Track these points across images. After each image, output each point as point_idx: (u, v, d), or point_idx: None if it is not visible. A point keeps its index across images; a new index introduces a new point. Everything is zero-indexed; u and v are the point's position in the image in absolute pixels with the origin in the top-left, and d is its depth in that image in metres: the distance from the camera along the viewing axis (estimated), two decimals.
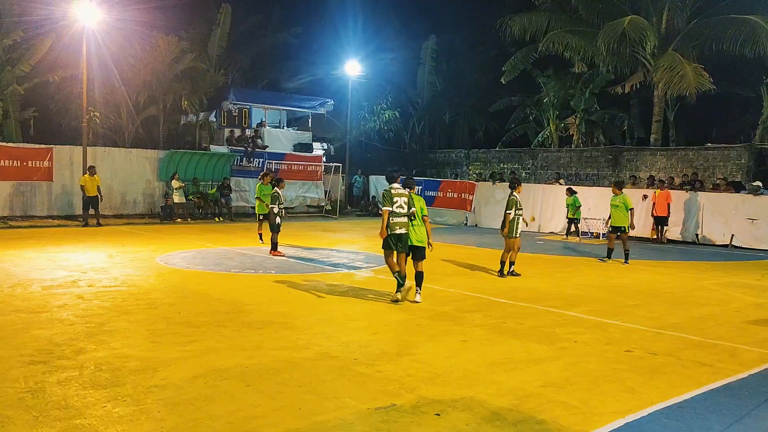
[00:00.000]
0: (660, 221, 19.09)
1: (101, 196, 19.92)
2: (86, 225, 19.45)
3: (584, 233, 20.51)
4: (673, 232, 19.18)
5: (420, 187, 26.22)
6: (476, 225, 23.88)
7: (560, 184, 22.72)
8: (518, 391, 5.57)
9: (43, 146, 21.70)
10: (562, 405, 5.26)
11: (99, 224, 19.52)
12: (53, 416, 4.74)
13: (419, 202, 9.36)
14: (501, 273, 11.98)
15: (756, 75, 25.39)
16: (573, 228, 20.16)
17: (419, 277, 9.34)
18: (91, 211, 19.71)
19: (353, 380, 5.75)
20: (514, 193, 11.95)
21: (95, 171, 19.92)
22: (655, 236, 19.27)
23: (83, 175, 19.96)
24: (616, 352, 6.98)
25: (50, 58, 22.90)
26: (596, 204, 20.59)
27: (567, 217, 20.18)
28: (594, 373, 6.18)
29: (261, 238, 15.81)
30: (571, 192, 20.06)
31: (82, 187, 19.68)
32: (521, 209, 11.98)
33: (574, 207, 19.90)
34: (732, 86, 26.22)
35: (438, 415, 4.99)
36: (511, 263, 12.11)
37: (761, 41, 21.55)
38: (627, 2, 24.51)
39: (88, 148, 21.21)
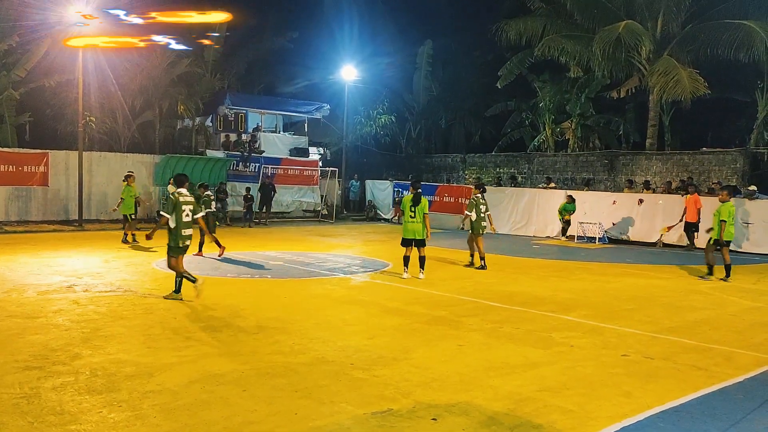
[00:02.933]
0: (690, 227, 18.10)
1: (140, 201, 20.15)
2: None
3: (580, 237, 20.54)
4: (669, 236, 19.20)
5: None
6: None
7: (551, 187, 22.77)
8: (515, 395, 5.57)
9: (38, 151, 21.66)
10: (559, 409, 5.27)
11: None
12: (48, 422, 4.72)
13: (424, 203, 11.87)
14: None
15: (750, 79, 25.51)
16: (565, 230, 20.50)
17: (423, 261, 11.94)
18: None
19: (349, 385, 5.75)
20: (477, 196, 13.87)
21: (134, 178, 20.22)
22: (687, 243, 18.41)
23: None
24: (613, 356, 6.98)
25: (46, 63, 22.85)
26: (592, 208, 20.65)
27: (564, 220, 20.39)
28: (590, 378, 6.18)
29: (126, 240, 16.20)
30: (572, 199, 20.38)
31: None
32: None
33: (567, 211, 20.28)
34: (727, 91, 26.33)
35: (434, 419, 4.99)
36: (481, 257, 13.66)
37: (755, 46, 21.65)
38: (622, 7, 24.61)
39: (83, 153, 21.19)
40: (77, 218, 20.90)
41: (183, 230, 9.32)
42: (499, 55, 30.34)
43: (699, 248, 18.61)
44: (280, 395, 5.42)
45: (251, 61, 31.82)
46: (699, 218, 17.82)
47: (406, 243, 11.89)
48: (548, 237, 20.73)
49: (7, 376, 5.73)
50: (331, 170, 28.26)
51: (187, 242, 9.45)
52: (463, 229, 14.30)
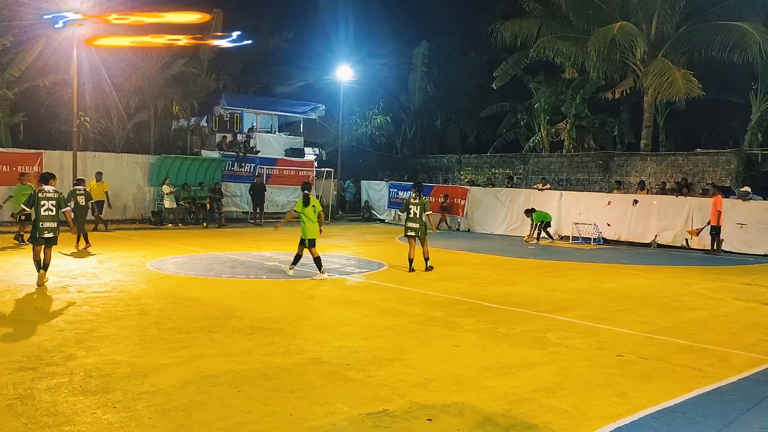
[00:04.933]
0: (712, 230, 17.78)
1: (109, 202, 20.15)
2: (95, 229, 19.18)
3: (575, 238, 20.59)
4: (663, 237, 19.26)
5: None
6: (469, 230, 23.93)
7: (546, 188, 22.73)
8: (510, 395, 5.58)
9: (33, 151, 21.56)
10: (554, 410, 5.27)
11: (106, 229, 19.49)
12: (42, 423, 4.70)
13: (316, 202, 11.86)
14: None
15: (744, 81, 25.61)
16: (542, 232, 20.33)
17: (318, 261, 11.75)
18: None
19: (345, 386, 5.74)
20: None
21: (101, 177, 20.07)
22: (710, 247, 17.94)
23: (91, 180, 20.04)
24: (607, 356, 7.00)
25: (40, 63, 22.77)
26: (587, 209, 20.69)
27: (538, 223, 20.31)
28: (585, 378, 6.19)
29: (21, 239, 15.77)
30: (529, 212, 20.32)
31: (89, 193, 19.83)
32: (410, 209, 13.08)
33: (541, 216, 20.17)
34: (721, 92, 26.42)
35: (430, 420, 4.99)
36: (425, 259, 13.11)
37: (749, 47, 21.73)
38: (617, 9, 24.67)
39: (78, 153, 21.11)
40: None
41: (42, 223, 10.15)
42: (495, 56, 30.37)
43: (660, 244, 18.68)
44: (275, 396, 5.41)
45: (246, 61, 31.78)
46: (718, 221, 17.57)
47: (303, 243, 11.84)
48: (543, 238, 20.74)
49: (0, 377, 5.71)
50: (327, 171, 28.23)
51: (46, 234, 10.19)
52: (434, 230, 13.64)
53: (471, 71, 35.40)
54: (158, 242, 17.04)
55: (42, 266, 10.21)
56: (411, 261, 12.94)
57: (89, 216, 16.93)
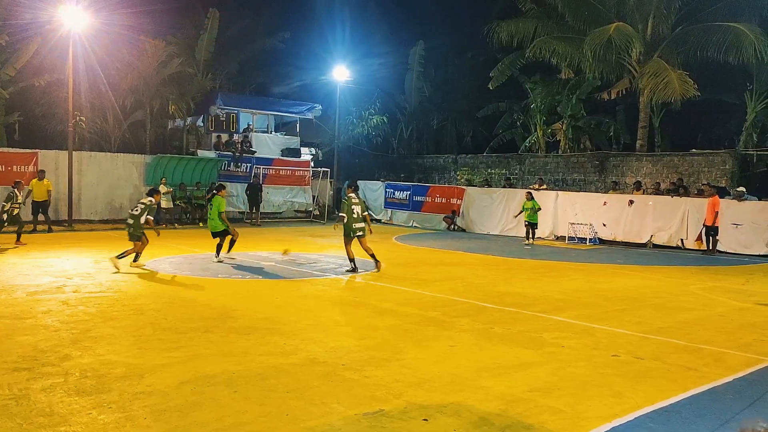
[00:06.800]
0: (708, 231, 17.83)
1: (50, 201, 19.37)
2: (34, 231, 18.40)
3: (571, 238, 20.61)
4: (659, 237, 19.31)
5: (408, 192, 26.38)
6: (464, 230, 23.95)
7: (543, 188, 22.68)
8: (506, 396, 5.58)
9: (28, 151, 21.49)
10: (550, 410, 5.28)
11: (50, 230, 18.88)
12: (38, 423, 4.69)
13: (218, 202, 13.56)
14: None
15: (740, 81, 25.69)
16: (531, 232, 19.55)
17: (220, 247, 13.72)
18: (42, 217, 19.00)
19: (341, 386, 5.74)
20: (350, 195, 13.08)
21: (44, 176, 19.49)
22: (704, 247, 18.03)
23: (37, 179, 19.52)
24: (603, 356, 7.01)
25: (36, 62, 22.73)
26: (583, 209, 20.72)
27: (525, 221, 19.53)
28: (581, 378, 6.20)
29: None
30: (530, 196, 19.52)
31: (30, 192, 19.03)
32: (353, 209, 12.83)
33: (532, 210, 19.21)
34: (716, 93, 26.49)
35: (426, 420, 4.99)
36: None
37: (744, 48, 21.78)
38: (613, 9, 24.72)
39: (73, 152, 21.05)
40: (67, 218, 20.76)
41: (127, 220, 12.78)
42: (491, 57, 30.40)
43: (656, 245, 18.73)
44: (271, 396, 5.40)
45: (243, 61, 31.77)
46: (715, 222, 17.49)
47: (215, 236, 13.75)
48: (539, 238, 20.76)
49: None
50: (323, 171, 28.22)
51: (126, 229, 12.77)
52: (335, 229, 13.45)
53: (467, 71, 35.41)
54: (154, 242, 16.97)
55: (134, 257, 12.52)
56: (353, 260, 12.77)
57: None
